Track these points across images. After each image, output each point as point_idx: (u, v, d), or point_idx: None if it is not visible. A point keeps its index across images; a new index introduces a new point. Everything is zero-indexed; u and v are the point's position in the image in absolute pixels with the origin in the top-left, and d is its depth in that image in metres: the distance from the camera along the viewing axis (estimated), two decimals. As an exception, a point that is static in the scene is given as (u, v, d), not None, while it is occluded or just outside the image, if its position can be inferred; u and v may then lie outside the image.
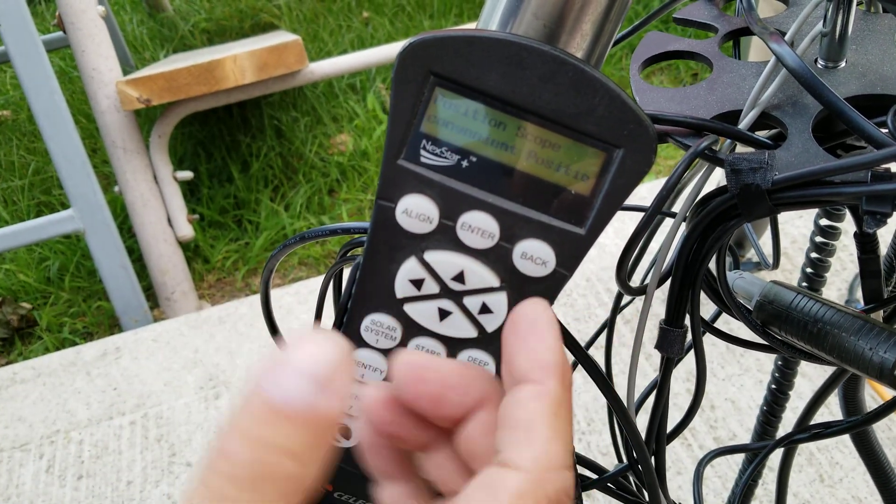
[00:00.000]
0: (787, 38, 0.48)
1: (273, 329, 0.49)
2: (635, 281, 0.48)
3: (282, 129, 2.21)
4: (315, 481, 0.24)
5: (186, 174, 1.79)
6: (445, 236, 0.33)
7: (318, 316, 0.50)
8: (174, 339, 1.58)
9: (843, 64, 0.46)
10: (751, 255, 1.46)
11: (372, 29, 2.57)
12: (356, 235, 0.45)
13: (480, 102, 0.32)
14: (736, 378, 1.31)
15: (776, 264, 0.58)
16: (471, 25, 1.86)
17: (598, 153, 0.32)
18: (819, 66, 0.47)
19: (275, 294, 1.65)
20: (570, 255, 0.33)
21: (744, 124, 0.43)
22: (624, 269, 0.43)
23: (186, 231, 1.75)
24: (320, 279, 1.69)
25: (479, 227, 0.33)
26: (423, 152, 0.33)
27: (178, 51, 2.64)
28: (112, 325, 1.80)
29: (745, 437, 1.21)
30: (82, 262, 1.92)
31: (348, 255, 0.45)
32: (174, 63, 1.87)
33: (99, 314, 1.82)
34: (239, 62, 1.66)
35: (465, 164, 0.33)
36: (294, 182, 2.10)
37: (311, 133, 2.20)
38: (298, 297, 1.64)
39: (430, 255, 0.33)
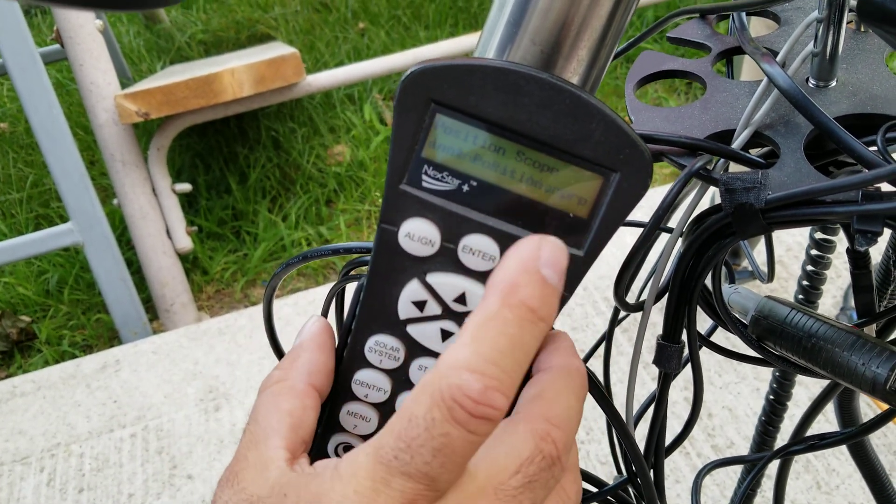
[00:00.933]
0: (779, 58, 0.49)
1: (276, 348, 0.50)
2: (633, 290, 0.48)
3: (279, 140, 2.22)
4: None
5: (185, 186, 1.79)
6: (447, 259, 0.34)
7: None
8: (174, 352, 1.59)
9: (833, 83, 0.47)
10: (745, 263, 1.47)
11: (368, 40, 2.58)
12: (358, 255, 0.46)
13: (480, 128, 0.33)
14: (733, 386, 1.32)
15: (771, 277, 0.59)
16: (466, 37, 1.87)
17: (595, 177, 0.33)
18: (810, 85, 0.48)
19: (273, 305, 1.65)
20: (570, 276, 0.34)
21: (737, 144, 0.44)
22: (622, 287, 0.44)
23: (185, 243, 1.76)
24: (318, 290, 1.69)
25: (479, 249, 0.34)
26: (424, 177, 0.34)
27: (174, 62, 2.65)
28: (111, 338, 1.80)
29: (743, 445, 1.22)
30: (81, 275, 1.92)
31: (350, 274, 0.45)
32: (171, 75, 1.88)
33: (98, 327, 1.83)
34: (237, 75, 1.67)
35: (465, 188, 0.33)
36: (292, 193, 2.11)
37: (309, 144, 2.21)
38: (297, 308, 1.64)
39: (432, 278, 0.34)
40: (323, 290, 1.69)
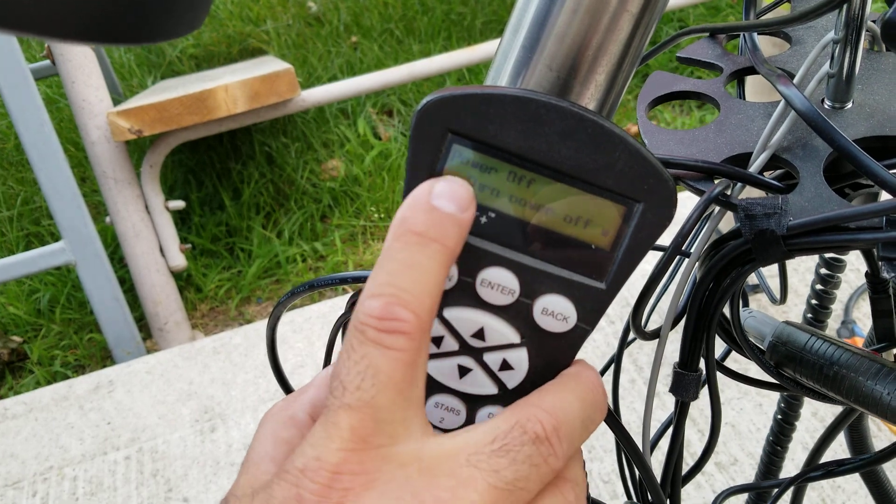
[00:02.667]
0: (795, 80, 0.48)
1: (280, 378, 0.49)
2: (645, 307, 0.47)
3: (273, 155, 2.21)
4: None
5: (178, 203, 1.78)
6: (465, 293, 0.33)
7: (328, 364, 0.49)
8: (168, 372, 1.57)
9: (850, 105, 0.47)
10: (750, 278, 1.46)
11: (361, 53, 2.57)
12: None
13: (499, 159, 0.32)
14: (735, 402, 1.31)
15: (783, 299, 0.58)
16: (460, 52, 1.87)
17: (618, 207, 0.32)
18: (826, 107, 0.47)
19: (267, 324, 1.64)
20: (592, 309, 0.33)
21: (754, 168, 0.43)
22: (639, 317, 0.43)
23: (179, 261, 1.74)
24: (314, 308, 1.68)
25: (498, 283, 0.32)
26: (441, 209, 0.32)
27: (165, 77, 2.64)
28: (104, 357, 1.78)
29: (746, 462, 1.20)
30: (73, 294, 1.90)
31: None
32: (163, 91, 1.87)
33: (91, 346, 1.81)
34: (231, 91, 1.65)
35: (483, 220, 0.32)
36: (286, 209, 2.10)
37: (303, 159, 2.20)
38: (293, 326, 1.63)
39: (449, 312, 0.33)
40: (318, 308, 1.67)
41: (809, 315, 0.66)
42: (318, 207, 2.09)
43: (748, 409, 1.29)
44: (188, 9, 0.27)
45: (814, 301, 0.64)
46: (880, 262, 0.38)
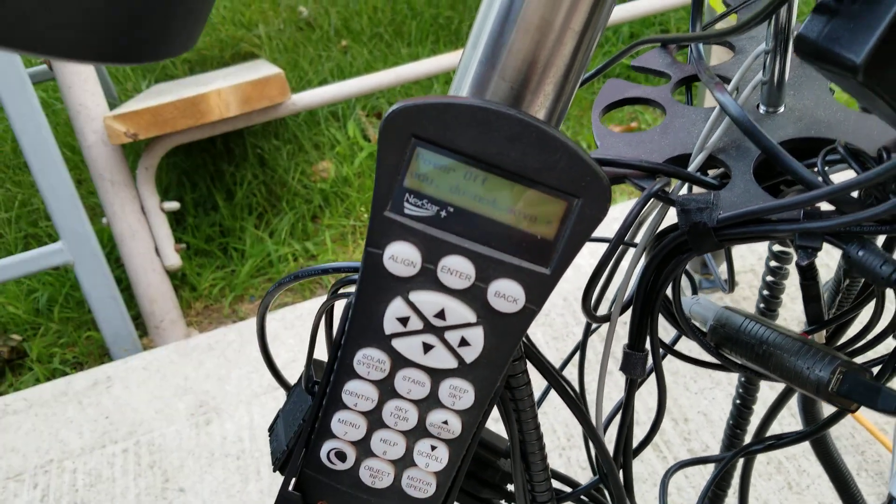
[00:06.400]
0: (731, 85, 0.53)
1: (270, 364, 0.53)
2: (608, 300, 0.52)
3: (265, 157, 2.26)
4: None
5: (173, 205, 1.83)
6: (428, 278, 0.38)
7: (312, 348, 0.54)
8: (164, 367, 1.62)
9: (781, 109, 0.52)
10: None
11: (351, 57, 2.62)
12: (346, 274, 0.49)
13: (456, 160, 0.36)
14: (708, 391, 1.36)
15: (731, 288, 0.63)
16: (446, 56, 1.91)
17: (559, 202, 0.37)
18: (760, 111, 0.52)
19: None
20: (538, 292, 0.38)
21: (692, 167, 0.48)
22: (589, 300, 0.48)
23: (174, 260, 1.79)
24: (305, 305, 1.73)
25: (457, 269, 0.37)
26: (406, 204, 0.37)
27: (160, 81, 2.68)
28: (102, 355, 1.83)
29: (717, 448, 1.26)
30: (71, 293, 1.95)
31: (338, 292, 0.49)
32: (158, 95, 1.91)
33: (89, 344, 1.85)
34: (223, 96, 1.70)
35: (443, 213, 0.37)
36: (278, 209, 2.15)
37: (294, 161, 2.25)
38: (284, 323, 1.67)
39: (414, 296, 0.38)
40: (309, 305, 1.72)
41: (762, 305, 0.71)
42: (309, 208, 2.14)
43: (719, 398, 1.35)
44: (181, 31, 0.31)
45: (765, 292, 0.69)
46: (797, 250, 0.43)
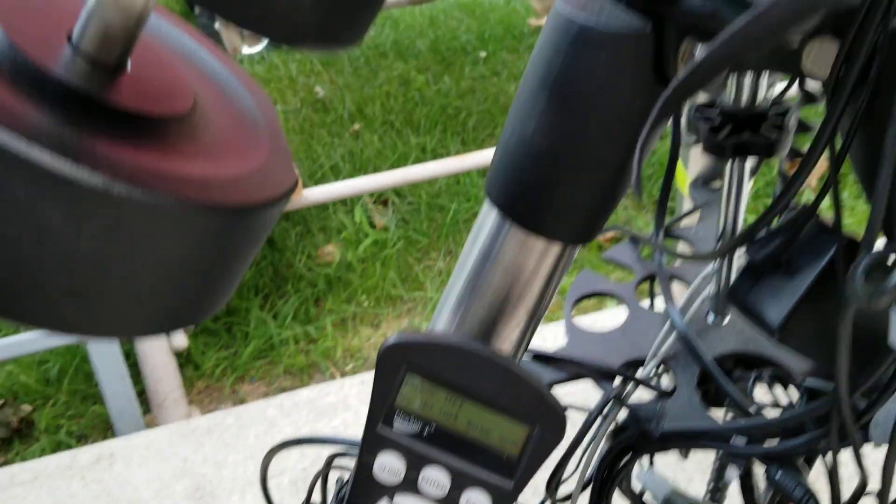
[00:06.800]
0: (686, 297, 0.62)
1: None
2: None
3: (274, 238, 2.35)
4: None
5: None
6: (410, 486, 0.46)
7: None
8: (164, 448, 1.68)
9: (727, 319, 0.60)
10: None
11: (362, 143, 2.73)
12: (340, 447, 0.57)
13: (439, 387, 0.45)
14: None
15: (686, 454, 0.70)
16: (453, 159, 2.02)
17: (523, 427, 0.45)
18: (709, 320, 0.60)
19: (258, 406, 1.76)
20: (503, 501, 0.45)
21: (643, 373, 0.56)
22: (553, 484, 0.56)
23: (182, 342, 1.87)
24: (303, 392, 1.79)
25: (434, 479, 0.45)
26: (396, 419, 0.45)
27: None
28: (105, 429, 1.89)
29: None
30: (81, 366, 2.02)
31: (332, 464, 0.57)
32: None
33: (94, 417, 1.92)
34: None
35: (426, 430, 0.45)
36: (283, 291, 2.23)
37: (301, 243, 2.34)
38: (282, 411, 1.74)
39: (398, 499, 0.46)
40: (307, 393, 1.79)
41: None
42: (313, 291, 2.22)
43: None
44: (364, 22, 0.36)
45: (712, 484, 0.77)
46: (727, 463, 0.51)
